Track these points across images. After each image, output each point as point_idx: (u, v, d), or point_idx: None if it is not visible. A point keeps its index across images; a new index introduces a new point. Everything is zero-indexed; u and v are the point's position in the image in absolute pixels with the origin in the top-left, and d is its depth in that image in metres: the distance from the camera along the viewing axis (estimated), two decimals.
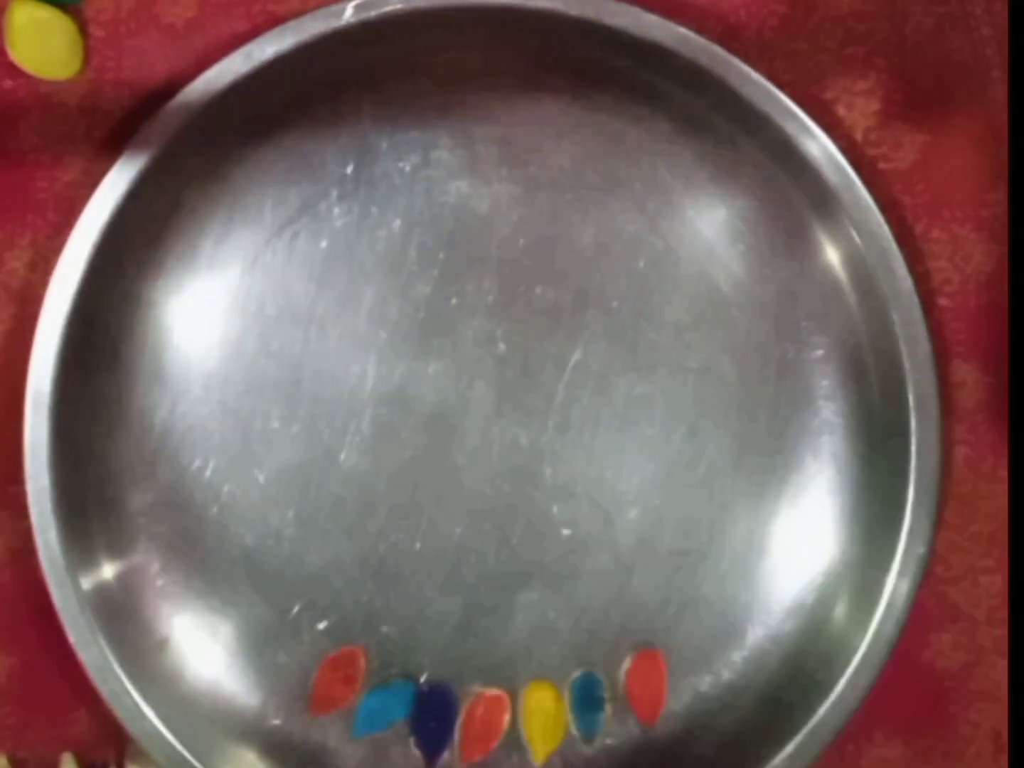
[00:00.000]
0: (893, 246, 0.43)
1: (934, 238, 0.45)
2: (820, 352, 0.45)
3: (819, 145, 0.42)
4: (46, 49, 0.42)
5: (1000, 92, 0.45)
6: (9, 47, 0.42)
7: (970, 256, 0.45)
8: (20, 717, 0.45)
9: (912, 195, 0.45)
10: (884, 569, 0.43)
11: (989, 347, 0.45)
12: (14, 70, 0.43)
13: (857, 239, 0.43)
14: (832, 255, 0.44)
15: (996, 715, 0.45)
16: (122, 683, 0.42)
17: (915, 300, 0.43)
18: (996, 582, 0.45)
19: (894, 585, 0.43)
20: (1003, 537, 0.45)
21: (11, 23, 0.42)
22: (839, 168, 0.43)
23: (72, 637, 0.42)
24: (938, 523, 0.44)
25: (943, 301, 0.45)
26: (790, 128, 0.42)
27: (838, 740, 0.44)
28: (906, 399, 0.43)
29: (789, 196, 0.44)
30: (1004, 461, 0.45)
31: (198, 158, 0.43)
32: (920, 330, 0.43)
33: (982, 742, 0.46)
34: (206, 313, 0.44)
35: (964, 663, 0.45)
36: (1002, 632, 0.45)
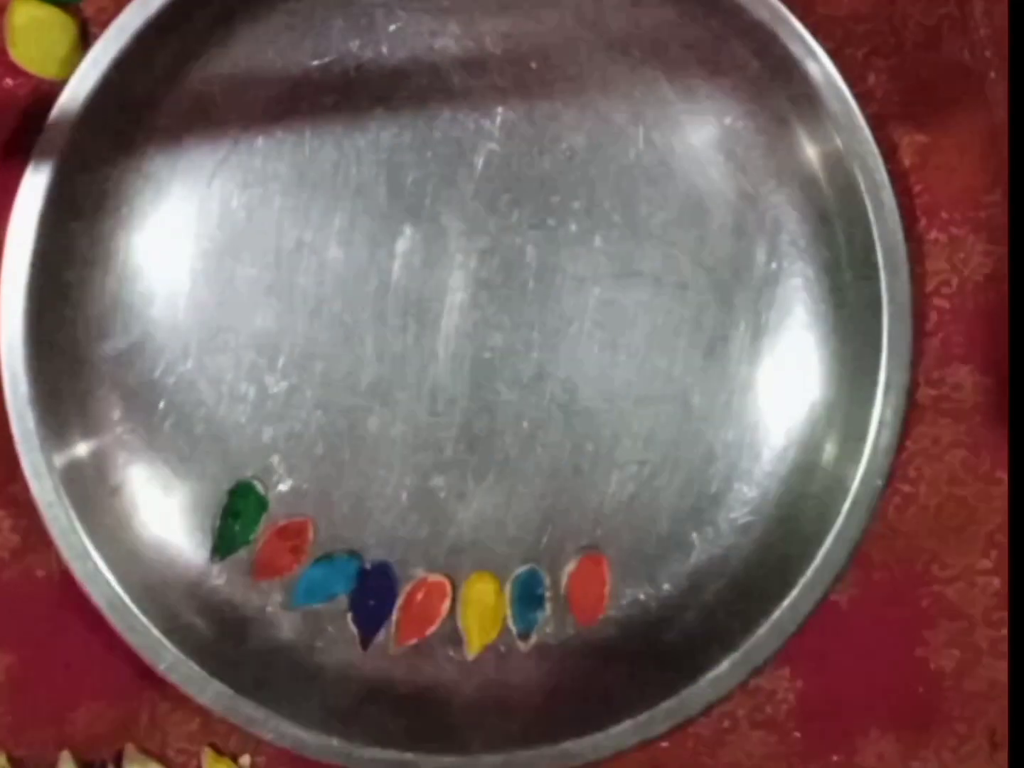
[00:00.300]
0: (884, 177, 0.43)
1: (932, 239, 0.45)
2: (799, 279, 0.45)
3: (821, 68, 0.42)
4: (46, 48, 0.42)
5: (999, 93, 0.45)
6: (9, 46, 0.42)
7: (968, 258, 0.45)
8: (19, 716, 0.45)
9: (910, 196, 0.45)
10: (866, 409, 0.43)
11: (987, 348, 0.45)
12: (14, 69, 0.43)
13: (847, 165, 0.43)
14: (823, 180, 0.44)
15: (992, 712, 0.46)
16: (72, 522, 0.42)
17: (897, 224, 0.43)
18: (993, 583, 0.45)
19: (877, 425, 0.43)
20: (1001, 538, 0.45)
21: (11, 22, 0.42)
22: (837, 92, 0.43)
23: (27, 469, 0.42)
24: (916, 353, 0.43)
25: (941, 302, 0.45)
26: (795, 50, 0.42)
27: (838, 734, 0.44)
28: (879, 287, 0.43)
29: (787, 120, 0.44)
30: (1002, 462, 0.45)
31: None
32: (901, 255, 0.43)
33: (978, 739, 0.46)
34: (194, 177, 0.44)
35: (959, 662, 0.46)
36: (998, 633, 0.45)
